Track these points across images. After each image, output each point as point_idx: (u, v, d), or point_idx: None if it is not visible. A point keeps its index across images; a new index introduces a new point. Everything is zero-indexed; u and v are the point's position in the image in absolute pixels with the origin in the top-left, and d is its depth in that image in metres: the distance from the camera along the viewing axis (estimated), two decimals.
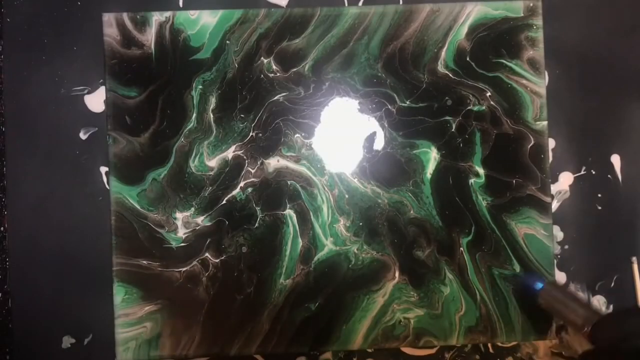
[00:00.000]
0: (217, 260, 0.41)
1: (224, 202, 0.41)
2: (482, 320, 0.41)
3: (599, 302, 0.42)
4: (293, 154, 0.41)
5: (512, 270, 0.41)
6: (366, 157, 0.41)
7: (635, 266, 0.42)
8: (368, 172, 0.41)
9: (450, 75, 0.41)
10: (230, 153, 0.41)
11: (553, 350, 0.42)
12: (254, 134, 0.41)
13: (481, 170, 0.41)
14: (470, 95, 0.42)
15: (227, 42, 0.41)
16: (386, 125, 0.41)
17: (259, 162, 0.41)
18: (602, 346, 0.33)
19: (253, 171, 0.41)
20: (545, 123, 0.42)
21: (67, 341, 0.41)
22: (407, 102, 0.41)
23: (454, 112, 0.42)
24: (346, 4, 0.42)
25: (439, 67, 0.41)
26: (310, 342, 0.41)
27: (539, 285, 0.38)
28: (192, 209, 0.41)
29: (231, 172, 0.41)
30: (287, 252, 0.41)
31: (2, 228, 0.42)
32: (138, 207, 0.41)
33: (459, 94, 0.42)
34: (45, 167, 0.42)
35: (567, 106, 0.42)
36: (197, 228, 0.41)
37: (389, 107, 0.41)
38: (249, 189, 0.41)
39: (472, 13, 0.41)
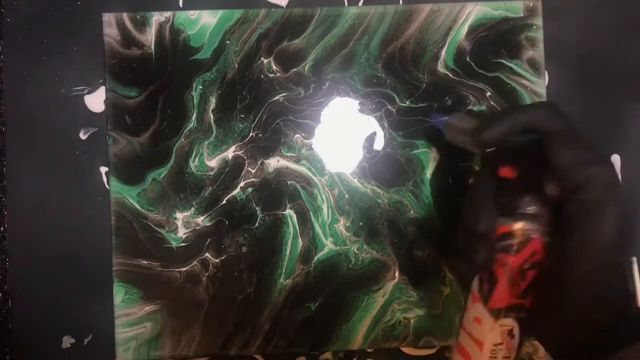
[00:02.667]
0: (217, 260, 0.41)
1: (224, 202, 0.41)
2: None
3: None
4: (293, 154, 0.41)
5: None
6: (366, 157, 0.41)
7: (635, 266, 0.42)
8: (368, 172, 0.41)
9: (450, 75, 0.41)
10: (230, 153, 0.41)
11: None
12: (254, 134, 0.41)
13: None
14: (470, 96, 0.42)
15: (227, 42, 0.41)
16: (386, 126, 0.41)
17: (259, 162, 0.41)
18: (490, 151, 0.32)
19: (253, 171, 0.41)
20: None
21: (67, 341, 0.41)
22: (407, 102, 0.41)
23: (454, 112, 0.41)
24: (346, 4, 0.42)
25: (438, 67, 0.41)
26: (310, 342, 0.41)
27: (442, 120, 0.38)
28: (192, 209, 0.41)
29: (231, 172, 0.41)
30: (287, 252, 0.41)
31: (2, 228, 0.42)
32: (138, 207, 0.41)
33: (459, 94, 0.42)
34: (45, 167, 0.42)
35: (567, 106, 0.42)
36: (197, 228, 0.41)
37: (389, 107, 0.41)
38: (249, 189, 0.41)
39: (472, 13, 0.42)
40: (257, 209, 0.41)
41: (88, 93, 0.42)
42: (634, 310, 0.30)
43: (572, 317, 0.29)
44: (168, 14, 0.41)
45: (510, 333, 0.32)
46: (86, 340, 0.41)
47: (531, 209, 0.31)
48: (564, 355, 0.30)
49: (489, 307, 0.32)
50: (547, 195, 0.30)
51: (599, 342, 0.28)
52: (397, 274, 0.41)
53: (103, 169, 0.42)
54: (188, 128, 0.41)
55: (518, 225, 0.31)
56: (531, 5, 0.42)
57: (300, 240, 0.41)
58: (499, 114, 0.34)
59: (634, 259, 0.42)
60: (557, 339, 0.31)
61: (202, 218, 0.41)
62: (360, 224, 0.41)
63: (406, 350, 0.42)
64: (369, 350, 0.42)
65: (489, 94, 0.42)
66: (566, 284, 0.29)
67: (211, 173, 0.41)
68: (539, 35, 0.42)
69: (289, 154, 0.41)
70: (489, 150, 0.34)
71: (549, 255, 0.31)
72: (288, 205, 0.41)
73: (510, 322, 0.32)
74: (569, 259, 0.29)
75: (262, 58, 0.41)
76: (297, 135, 0.41)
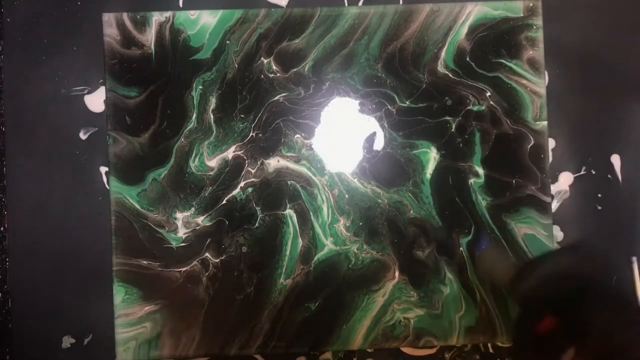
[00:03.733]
0: (217, 260, 0.41)
1: (224, 202, 0.41)
2: (482, 320, 0.41)
3: None
4: (293, 154, 0.41)
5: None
6: (366, 157, 0.41)
7: (635, 266, 0.42)
8: (368, 172, 0.41)
9: (450, 75, 0.41)
10: (230, 153, 0.41)
11: None
12: (254, 134, 0.41)
13: (481, 171, 0.41)
14: (470, 96, 0.42)
15: (227, 42, 0.41)
16: (386, 126, 0.41)
17: (259, 162, 0.41)
18: (523, 298, 0.32)
19: (253, 171, 0.41)
20: (545, 123, 0.42)
21: (67, 341, 0.41)
22: (407, 103, 0.41)
23: (453, 112, 0.42)
24: (346, 4, 0.42)
25: (438, 67, 0.41)
26: (310, 342, 0.41)
27: (483, 244, 0.39)
28: (192, 209, 0.41)
29: (231, 172, 0.41)
30: (287, 252, 0.41)
31: (2, 228, 0.42)
32: (138, 207, 0.41)
33: (459, 94, 0.42)
34: (45, 167, 0.42)
35: (567, 106, 0.42)
36: (197, 228, 0.41)
37: (389, 107, 0.41)
38: (249, 189, 0.41)
39: (472, 13, 0.42)
40: (257, 209, 0.41)
41: (88, 93, 0.42)
42: None
43: None
44: (168, 14, 0.41)
45: None
46: (86, 340, 0.41)
47: None
48: None
49: None
50: (588, 352, 0.29)
51: None
52: (397, 274, 0.41)
53: (103, 169, 0.42)
54: (188, 128, 0.41)
55: None
56: (531, 5, 0.42)
57: (300, 240, 0.41)
58: (530, 266, 0.33)
59: (634, 259, 0.42)
60: None
61: (202, 218, 0.41)
62: (360, 224, 0.41)
63: (406, 350, 0.42)
64: (369, 350, 0.42)
65: (489, 93, 0.42)
66: None
67: (211, 173, 0.41)
68: (539, 35, 0.42)
69: (289, 154, 0.41)
70: (526, 302, 0.33)
71: None
72: (288, 205, 0.41)
73: None
74: None
75: (262, 58, 0.41)
76: (297, 136, 0.41)
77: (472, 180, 0.41)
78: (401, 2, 0.42)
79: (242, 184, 0.41)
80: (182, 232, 0.41)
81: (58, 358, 0.41)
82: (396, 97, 0.41)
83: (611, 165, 0.42)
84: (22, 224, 0.42)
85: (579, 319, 0.29)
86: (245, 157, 0.41)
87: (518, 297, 0.33)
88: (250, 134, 0.41)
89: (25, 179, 0.42)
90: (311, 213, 0.41)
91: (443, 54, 0.41)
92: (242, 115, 0.41)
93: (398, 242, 0.41)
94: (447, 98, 0.41)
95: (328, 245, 0.41)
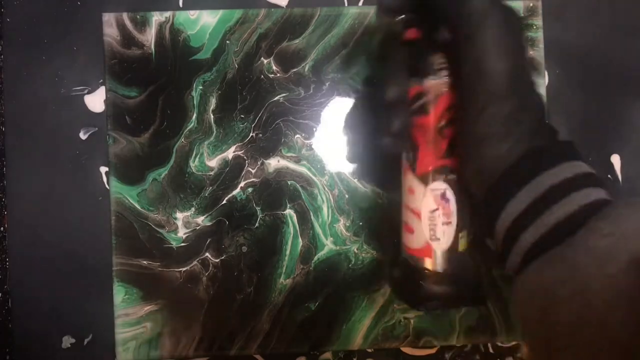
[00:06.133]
0: (217, 260, 0.41)
1: (224, 202, 0.41)
2: (482, 320, 0.41)
3: None
4: (293, 154, 0.41)
5: None
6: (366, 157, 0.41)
7: None
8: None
9: None
10: (230, 153, 0.41)
11: None
12: (254, 134, 0.41)
13: None
14: None
15: (227, 42, 0.41)
16: None
17: (259, 163, 0.41)
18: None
19: (253, 171, 0.41)
20: None
21: (67, 341, 0.41)
22: None
23: None
24: (346, 4, 0.42)
25: None
26: (310, 342, 0.41)
27: None
28: (193, 209, 0.41)
29: (231, 172, 0.41)
30: (287, 252, 0.41)
31: (2, 228, 0.42)
32: (138, 207, 0.41)
33: None
34: (45, 167, 0.42)
35: (567, 106, 0.42)
36: (197, 228, 0.41)
37: None
38: (249, 189, 0.41)
39: None
40: (257, 209, 0.41)
41: (88, 93, 0.42)
42: (555, 138, 0.30)
43: (490, 150, 0.28)
44: (168, 14, 0.41)
45: (443, 197, 0.31)
46: (86, 340, 0.41)
47: (434, 64, 0.31)
48: (491, 203, 0.29)
49: (417, 174, 0.32)
50: (443, 42, 0.29)
51: (519, 172, 0.27)
52: None
53: (103, 169, 0.42)
54: (188, 128, 0.41)
55: (426, 82, 0.31)
56: (531, 5, 0.42)
57: (300, 240, 0.41)
58: None
59: None
60: (479, 188, 0.29)
61: (202, 218, 0.41)
62: (360, 224, 0.41)
63: (406, 350, 0.42)
64: (369, 350, 0.42)
65: None
66: (472, 124, 0.28)
67: (211, 173, 0.41)
68: (539, 35, 0.42)
69: (289, 154, 0.41)
70: (395, 19, 0.33)
71: (456, 104, 0.30)
72: (288, 205, 0.41)
73: (440, 185, 0.31)
74: (467, 98, 0.29)
75: (262, 58, 0.41)
76: (297, 136, 0.41)
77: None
78: None
79: (242, 184, 0.41)
80: (182, 232, 0.41)
81: (58, 358, 0.41)
82: None
83: (611, 165, 0.42)
84: (22, 224, 0.42)
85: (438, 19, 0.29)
86: (245, 157, 0.41)
87: (385, 10, 0.32)
88: (251, 134, 0.41)
89: (25, 179, 0.42)
90: (311, 213, 0.41)
91: None
92: (242, 116, 0.41)
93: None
94: None
95: (328, 245, 0.41)
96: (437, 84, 0.31)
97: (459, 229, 0.31)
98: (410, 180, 0.32)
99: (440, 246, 0.31)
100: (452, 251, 0.31)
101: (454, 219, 0.31)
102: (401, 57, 0.32)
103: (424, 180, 0.31)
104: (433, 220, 0.31)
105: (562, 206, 0.26)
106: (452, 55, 0.30)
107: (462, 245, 0.32)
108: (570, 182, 0.27)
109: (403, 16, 0.32)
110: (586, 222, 0.25)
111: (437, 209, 0.31)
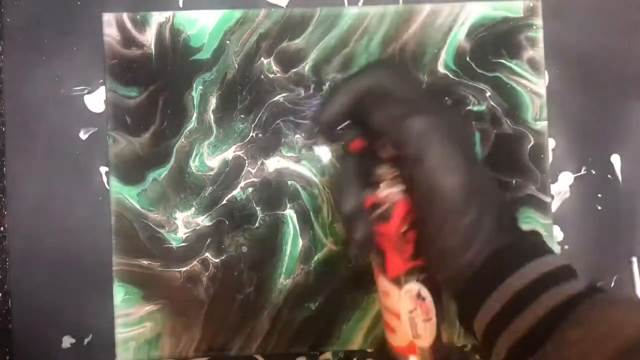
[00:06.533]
0: (217, 260, 0.41)
1: (224, 202, 0.41)
2: None
3: None
4: (293, 155, 0.41)
5: None
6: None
7: (635, 266, 0.42)
8: None
9: (450, 75, 0.41)
10: (230, 153, 0.41)
11: None
12: (254, 134, 0.41)
13: None
14: (470, 96, 0.42)
15: (227, 42, 0.41)
16: None
17: (259, 163, 0.41)
18: None
19: (253, 171, 0.41)
20: (545, 123, 0.42)
21: (67, 341, 0.41)
22: None
23: (453, 113, 0.41)
24: (346, 4, 0.42)
25: (438, 67, 0.41)
26: (310, 342, 0.41)
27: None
28: (193, 209, 0.41)
29: (231, 172, 0.41)
30: (287, 252, 0.41)
31: (2, 228, 0.42)
32: (138, 207, 0.41)
33: (459, 94, 0.42)
34: (45, 167, 0.42)
35: (567, 106, 0.42)
36: (198, 228, 0.41)
37: None
38: (249, 189, 0.41)
39: (472, 13, 0.42)
40: (257, 209, 0.41)
41: (88, 93, 0.42)
42: (519, 232, 0.30)
43: (455, 262, 0.28)
44: (168, 14, 0.41)
45: (419, 296, 0.31)
46: (86, 340, 0.41)
47: (384, 174, 0.31)
48: (464, 306, 0.30)
49: (389, 278, 0.32)
50: (385, 158, 0.30)
51: (486, 276, 0.28)
52: None
53: (103, 169, 0.42)
54: (188, 128, 0.41)
55: (380, 193, 0.31)
56: (531, 5, 0.42)
57: (300, 240, 0.41)
58: (332, 95, 0.34)
59: (634, 259, 0.42)
60: (449, 291, 0.30)
61: (202, 218, 0.41)
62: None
63: None
64: (369, 350, 0.42)
65: (489, 94, 0.42)
66: (431, 238, 0.29)
67: (211, 173, 0.41)
68: (539, 35, 0.42)
69: (289, 154, 0.41)
70: (338, 130, 0.34)
71: (413, 211, 0.31)
72: (288, 205, 0.41)
73: (414, 286, 0.31)
74: (423, 215, 0.29)
75: (262, 58, 0.41)
76: (297, 136, 0.41)
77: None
78: (401, 3, 0.42)
79: (242, 184, 0.41)
80: (182, 232, 0.41)
81: (58, 358, 0.41)
82: None
83: (611, 165, 0.42)
84: (22, 224, 0.42)
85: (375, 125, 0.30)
86: (245, 157, 0.41)
87: (325, 125, 0.33)
88: (251, 134, 0.41)
89: (25, 179, 0.42)
90: (311, 213, 0.41)
91: (443, 54, 0.41)
92: (242, 116, 0.41)
93: None
94: (447, 98, 0.41)
95: (328, 245, 0.41)
96: (390, 193, 0.31)
97: (440, 322, 0.32)
98: (384, 284, 0.33)
99: (424, 342, 0.32)
100: (436, 345, 0.32)
101: (433, 315, 0.32)
102: (351, 167, 0.32)
103: (397, 282, 0.32)
104: (413, 319, 0.32)
105: (532, 311, 0.26)
106: (401, 169, 0.30)
107: (445, 335, 0.32)
108: (537, 283, 0.27)
109: (344, 125, 0.33)
110: (556, 329, 0.25)
111: (415, 309, 0.32)
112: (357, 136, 0.33)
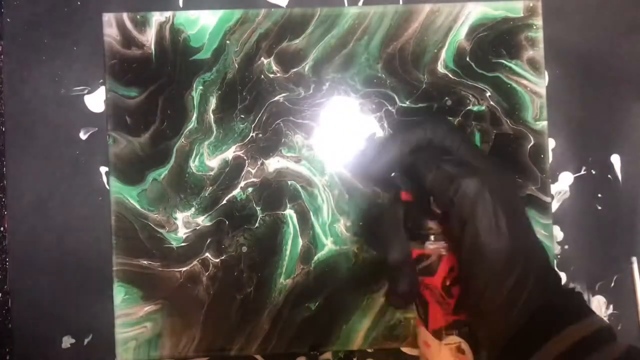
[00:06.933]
0: (217, 260, 0.41)
1: (224, 202, 0.41)
2: None
3: (599, 302, 0.42)
4: (293, 155, 0.41)
5: None
6: (366, 157, 0.41)
7: (635, 266, 0.42)
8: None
9: (450, 75, 0.41)
10: (230, 153, 0.41)
11: None
12: (254, 134, 0.41)
13: None
14: (470, 96, 0.42)
15: (227, 42, 0.41)
16: (386, 126, 0.41)
17: (259, 163, 0.41)
18: None
19: (253, 171, 0.41)
20: (545, 123, 0.42)
21: (67, 341, 0.41)
22: (407, 103, 0.41)
23: (453, 113, 0.42)
24: (346, 4, 0.42)
25: (438, 67, 0.41)
26: (310, 342, 0.41)
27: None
28: (193, 209, 0.41)
29: (231, 172, 0.41)
30: (287, 252, 0.41)
31: (2, 228, 0.42)
32: (138, 207, 0.41)
33: (459, 94, 0.42)
34: (45, 167, 0.42)
35: (567, 106, 0.42)
36: (198, 228, 0.41)
37: (389, 107, 0.41)
38: (250, 189, 0.41)
39: (472, 13, 0.42)
40: (257, 209, 0.41)
41: (88, 93, 0.42)
42: (561, 293, 0.30)
43: (497, 321, 0.29)
44: (168, 14, 0.41)
45: (459, 349, 0.32)
46: (86, 340, 0.41)
47: (433, 228, 0.32)
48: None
49: (430, 330, 0.32)
50: (435, 212, 0.31)
51: (530, 333, 0.28)
52: None
53: (103, 169, 0.42)
54: (188, 128, 0.41)
55: (427, 246, 0.32)
56: (531, 5, 0.42)
57: (300, 240, 0.41)
58: (385, 143, 0.35)
59: (634, 259, 0.42)
60: (491, 350, 0.30)
61: (202, 218, 0.41)
62: (361, 224, 0.41)
63: (406, 350, 0.42)
64: (369, 350, 0.42)
65: (489, 94, 0.42)
66: (475, 300, 0.29)
67: (211, 173, 0.41)
68: (539, 35, 0.42)
69: (289, 154, 0.41)
70: (390, 177, 0.34)
71: (460, 267, 0.31)
72: (288, 205, 0.41)
73: (455, 339, 0.32)
74: (467, 276, 0.29)
75: (262, 58, 0.41)
76: (298, 136, 0.41)
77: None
78: (401, 2, 0.42)
79: (242, 184, 0.41)
80: (182, 232, 0.41)
81: (58, 358, 0.41)
82: (396, 98, 0.41)
83: (611, 165, 0.42)
84: (22, 224, 0.42)
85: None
86: (245, 157, 0.41)
87: (375, 174, 0.34)
88: (251, 134, 0.41)
89: (25, 179, 0.42)
90: (311, 213, 0.41)
91: (443, 54, 0.41)
92: (243, 116, 0.41)
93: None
94: (447, 98, 0.41)
95: (328, 245, 0.41)
96: (436, 247, 0.31)
97: None
98: (425, 335, 0.33)
99: None
100: None
101: None
102: (400, 216, 0.33)
103: (438, 335, 0.32)
104: None
105: None
106: (449, 225, 0.30)
107: None
108: (577, 347, 0.27)
109: (394, 174, 0.33)
110: None
111: None
112: (408, 186, 0.33)
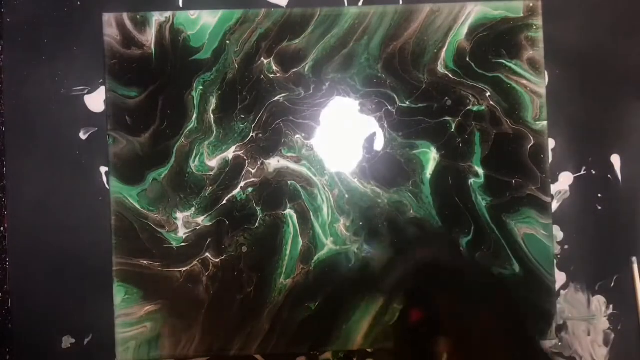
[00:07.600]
0: (217, 260, 0.41)
1: (225, 202, 0.41)
2: None
3: (599, 302, 0.42)
4: (293, 155, 0.41)
5: (512, 270, 0.41)
6: (366, 157, 0.41)
7: (635, 266, 0.42)
8: (368, 172, 0.41)
9: (450, 75, 0.41)
10: (230, 153, 0.41)
11: (553, 350, 0.42)
12: (254, 134, 0.41)
13: (481, 171, 0.41)
14: (470, 96, 0.42)
15: (227, 42, 0.41)
16: (386, 126, 0.41)
17: (259, 163, 0.41)
18: None
19: (253, 171, 0.41)
20: (545, 123, 0.42)
21: (67, 341, 0.41)
22: (407, 103, 0.41)
23: (453, 113, 0.42)
24: (346, 4, 0.42)
25: (438, 67, 0.41)
26: (310, 342, 0.41)
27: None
28: (193, 209, 0.41)
29: (231, 172, 0.41)
30: (287, 252, 0.41)
31: (2, 228, 0.42)
32: (138, 207, 0.41)
33: (459, 94, 0.42)
34: (45, 167, 0.42)
35: (567, 106, 0.43)
36: (198, 228, 0.41)
37: (389, 107, 0.41)
38: (250, 189, 0.41)
39: (472, 13, 0.42)
40: (258, 209, 0.41)
41: (88, 93, 0.42)
42: None
43: None
44: (168, 14, 0.41)
45: None
46: (86, 340, 0.41)
47: (442, 348, 0.33)
48: None
49: None
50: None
51: None
52: None
53: (103, 169, 0.42)
54: (188, 128, 0.41)
55: None
56: (531, 5, 0.42)
57: (300, 240, 0.41)
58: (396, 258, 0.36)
59: (634, 259, 0.42)
60: None
61: (202, 218, 0.41)
62: (360, 224, 0.41)
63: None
64: (369, 350, 0.42)
65: (488, 94, 0.42)
66: None
67: (211, 173, 0.41)
68: (539, 35, 0.42)
69: (289, 154, 0.41)
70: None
71: None
72: (288, 205, 0.41)
73: None
74: None
75: (262, 58, 0.41)
76: (298, 136, 0.41)
77: (472, 180, 0.41)
78: (401, 2, 0.42)
79: (242, 184, 0.41)
80: (182, 232, 0.41)
81: (58, 358, 0.41)
82: (396, 98, 0.41)
83: (611, 165, 0.42)
84: (22, 224, 0.42)
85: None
86: (245, 157, 0.41)
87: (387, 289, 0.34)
88: (251, 134, 0.41)
89: (25, 179, 0.42)
90: (311, 213, 0.41)
91: (443, 54, 0.41)
92: (243, 116, 0.41)
93: (398, 242, 0.41)
94: (447, 98, 0.42)
95: (328, 245, 0.41)
96: None
97: None
98: None
99: None
100: None
101: None
102: (410, 340, 0.34)
103: None
104: None
105: None
106: (457, 347, 0.31)
107: None
108: None
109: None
110: None
111: None
112: (417, 307, 0.34)
